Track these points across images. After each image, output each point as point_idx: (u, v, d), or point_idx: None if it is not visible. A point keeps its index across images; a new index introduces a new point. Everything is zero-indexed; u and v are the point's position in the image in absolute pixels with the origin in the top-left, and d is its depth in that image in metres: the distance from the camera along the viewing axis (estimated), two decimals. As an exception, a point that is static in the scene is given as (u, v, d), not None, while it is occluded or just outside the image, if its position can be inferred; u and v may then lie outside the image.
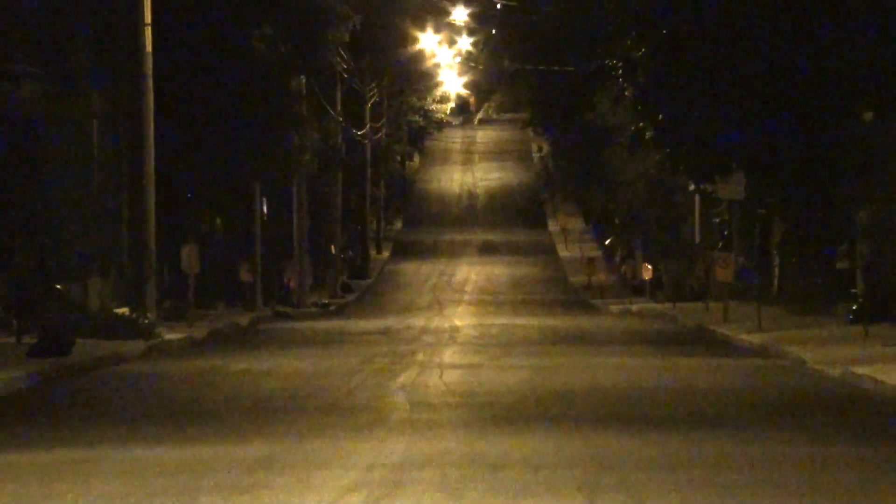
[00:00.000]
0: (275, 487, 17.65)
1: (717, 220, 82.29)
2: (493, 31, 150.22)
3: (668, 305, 76.15)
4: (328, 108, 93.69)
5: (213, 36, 62.61)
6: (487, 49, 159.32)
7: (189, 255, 63.89)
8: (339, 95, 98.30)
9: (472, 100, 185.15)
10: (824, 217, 60.39)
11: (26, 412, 28.51)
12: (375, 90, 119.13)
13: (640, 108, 73.40)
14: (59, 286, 48.05)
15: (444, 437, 23.18)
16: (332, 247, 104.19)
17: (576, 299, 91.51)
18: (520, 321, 65.00)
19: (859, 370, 32.27)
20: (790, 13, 56.36)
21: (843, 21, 54.24)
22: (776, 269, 70.53)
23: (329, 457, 20.61)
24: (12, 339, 40.98)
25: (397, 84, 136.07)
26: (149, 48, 51.44)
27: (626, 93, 78.31)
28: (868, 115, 51.66)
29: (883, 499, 16.59)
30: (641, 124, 74.25)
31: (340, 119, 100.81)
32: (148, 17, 51.38)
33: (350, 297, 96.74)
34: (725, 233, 79.86)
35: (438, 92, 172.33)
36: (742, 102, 60.26)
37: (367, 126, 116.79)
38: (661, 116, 70.19)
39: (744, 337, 47.16)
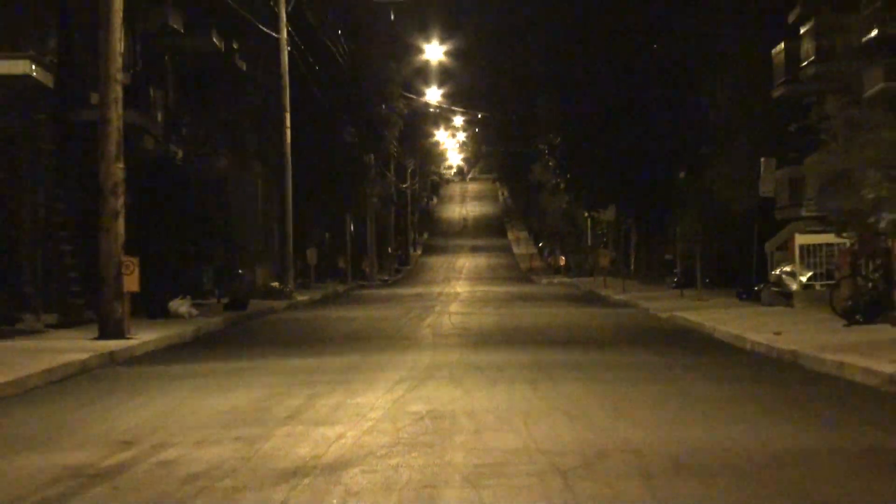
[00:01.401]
0: (358, 380, 17.76)
1: (601, 232, 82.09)
2: (477, 130, 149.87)
3: (573, 279, 75.79)
4: (386, 172, 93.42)
5: (323, 131, 62.50)
6: (474, 139, 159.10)
7: (311, 254, 64.03)
8: (392, 165, 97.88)
9: (465, 167, 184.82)
10: (658, 230, 60.26)
11: (223, 340, 28.48)
12: (412, 161, 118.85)
13: (558, 171, 73.50)
14: (240, 271, 48.01)
15: (451, 353, 23.16)
16: (389, 248, 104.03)
17: (523, 276, 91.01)
18: (493, 288, 64.72)
19: (678, 313, 32.21)
20: (638, 122, 56.24)
21: (668, 125, 54.13)
22: (633, 259, 70.25)
23: (387, 363, 20.66)
24: (214, 301, 40.86)
25: (424, 158, 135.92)
26: (288, 140, 51.28)
27: (550, 163, 78.24)
28: (682, 174, 51.44)
29: (692, 378, 16.62)
30: (559, 180, 74.30)
31: (393, 178, 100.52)
32: (287, 123, 51.25)
33: (399, 276, 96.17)
34: (604, 239, 79.68)
35: (446, 163, 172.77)
36: (613, 169, 60.26)
37: (408, 182, 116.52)
38: (569, 176, 70.25)
39: (616, 297, 46.98)
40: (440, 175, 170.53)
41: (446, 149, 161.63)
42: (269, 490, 9.32)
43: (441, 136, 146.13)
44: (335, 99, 65.02)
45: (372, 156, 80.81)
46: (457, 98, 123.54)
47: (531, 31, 75.14)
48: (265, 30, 50.33)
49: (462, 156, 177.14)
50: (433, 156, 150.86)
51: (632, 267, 68.26)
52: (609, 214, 67.77)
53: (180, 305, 34.12)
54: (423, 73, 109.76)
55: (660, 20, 55.18)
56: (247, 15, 47.74)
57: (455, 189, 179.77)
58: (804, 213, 38.35)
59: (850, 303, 25.68)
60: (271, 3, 50.63)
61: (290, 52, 52.73)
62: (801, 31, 38.66)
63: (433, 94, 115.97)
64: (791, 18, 40.18)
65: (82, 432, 13.13)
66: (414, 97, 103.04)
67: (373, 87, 75.52)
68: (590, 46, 61.30)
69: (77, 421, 14.19)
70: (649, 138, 55.86)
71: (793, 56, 39.40)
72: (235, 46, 51.40)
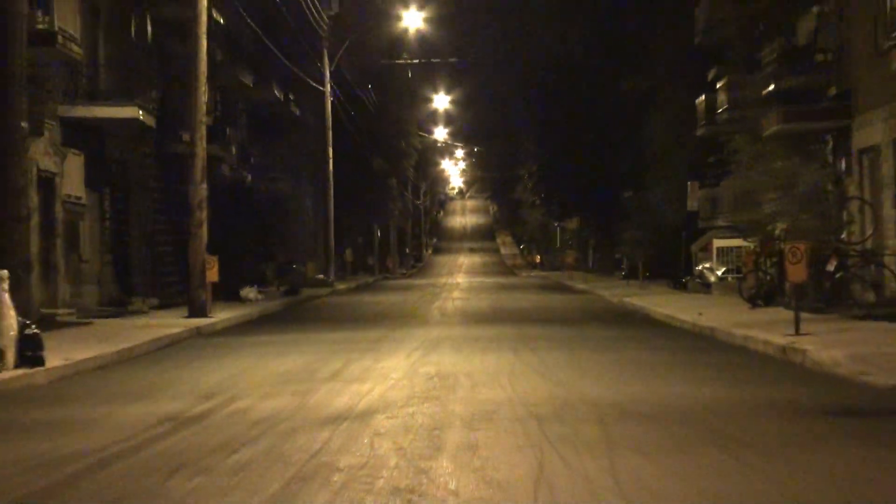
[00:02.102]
0: (383, 349, 17.78)
1: (567, 237, 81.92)
2: (473, 160, 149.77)
3: (546, 273, 75.54)
4: (404, 192, 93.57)
5: (357, 161, 62.50)
6: (471, 166, 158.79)
7: (348, 253, 64.00)
8: (409, 186, 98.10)
9: (464, 187, 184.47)
10: (610, 235, 60.09)
11: (281, 319, 28.46)
12: (424, 183, 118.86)
13: (534, 191, 73.48)
14: (294, 266, 47.94)
15: (454, 328, 23.15)
16: (406, 249, 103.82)
17: (508, 271, 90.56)
18: (485, 280, 64.50)
19: (625, 299, 32.11)
20: (595, 155, 56.31)
21: (618, 156, 54.07)
22: (591, 257, 70.14)
23: (406, 336, 20.65)
24: (275, 289, 40.82)
25: (433, 181, 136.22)
26: (330, 167, 51.35)
27: (529, 185, 78.27)
28: (628, 193, 51.22)
29: (636, 347, 16.61)
30: (535, 198, 74.29)
31: (410, 196, 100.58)
32: (330, 154, 51.36)
33: (414, 270, 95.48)
34: (570, 242, 79.38)
35: (450, 185, 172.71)
36: (575, 190, 60.36)
37: (421, 199, 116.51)
38: (543, 195, 70.34)
39: (578, 286, 46.82)
40: (446, 194, 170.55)
41: (450, 174, 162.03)
42: (317, 432, 9.34)
43: (446, 164, 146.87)
44: (366, 136, 65.10)
45: (394, 179, 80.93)
46: (458, 136, 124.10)
47: (514, 85, 75.33)
48: (314, 84, 50.45)
49: (462, 179, 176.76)
50: (440, 179, 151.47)
51: (590, 263, 68.19)
52: (573, 224, 67.94)
53: (249, 292, 34.17)
54: (432, 117, 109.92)
55: (613, 78, 55.18)
56: (300, 73, 47.87)
57: (457, 205, 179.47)
58: (720, 223, 38.38)
59: (753, 291, 25.71)
60: (318, 64, 50.70)
61: (332, 101, 52.87)
62: (717, 86, 38.66)
63: (440, 133, 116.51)
64: (710, 77, 40.23)
65: (176, 388, 13.18)
66: (426, 135, 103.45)
67: (394, 127, 75.61)
68: (559, 97, 61.42)
69: (172, 379, 14.24)
70: (603, 166, 56.03)
71: (711, 105, 39.41)
72: (292, 97, 51.51)
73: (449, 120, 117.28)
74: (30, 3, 17.25)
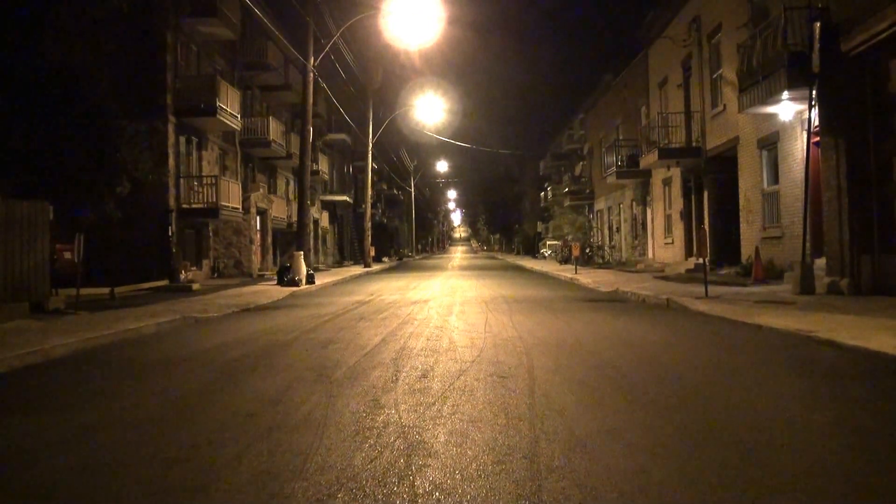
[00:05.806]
0: (434, 278, 17.23)
1: (496, 240, 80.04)
2: (463, 214, 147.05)
3: (489, 253, 72.31)
4: (439, 226, 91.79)
5: (423, 215, 61.55)
6: (463, 217, 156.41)
7: (420, 245, 62.48)
8: (442, 223, 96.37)
9: (460, 224, 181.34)
10: (510, 239, 58.45)
11: (397, 268, 27.65)
12: (446, 222, 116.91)
13: (484, 225, 71.54)
14: (402, 249, 47.19)
15: (456, 271, 22.35)
16: (440, 244, 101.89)
17: (474, 252, 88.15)
18: (466, 255, 62.19)
19: (517, 262, 30.97)
20: (504, 216, 55.26)
21: (514, 214, 52.87)
22: (504, 246, 68.12)
23: (441, 273, 20.11)
24: (395, 258, 39.07)
25: (450, 221, 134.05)
26: (413, 216, 50.29)
27: (483, 223, 76.56)
28: (516, 226, 49.90)
29: (522, 277, 16.23)
30: (484, 227, 72.36)
31: (442, 227, 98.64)
32: (413, 212, 50.25)
33: (442, 253, 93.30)
34: (498, 241, 77.04)
35: (454, 222, 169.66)
36: (498, 225, 59.13)
37: (445, 227, 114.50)
38: (488, 227, 68.66)
39: (499, 258, 45.01)
40: (453, 226, 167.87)
41: (454, 219, 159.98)
42: (408, 307, 9.13)
43: (453, 215, 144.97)
44: (424, 207, 64.19)
45: (435, 220, 79.80)
46: (459, 204, 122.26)
47: (477, 189, 74.51)
48: (407, 188, 49.77)
49: (459, 220, 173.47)
50: (452, 220, 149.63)
51: (503, 249, 67.31)
52: (497, 235, 66.85)
53: (385, 259, 33.73)
54: (448, 200, 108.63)
55: (511, 185, 54.95)
56: (403, 184, 47.35)
57: (457, 229, 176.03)
58: (550, 235, 38.01)
59: (561, 258, 25.40)
60: (410, 181, 50.00)
61: (415, 194, 52.15)
62: (548, 189, 38.18)
63: (451, 205, 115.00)
64: (546, 186, 39.75)
65: (359, 291, 12.86)
66: (446, 207, 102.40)
67: (435, 203, 74.71)
68: (491, 195, 61.05)
69: (358, 288, 13.79)
70: (508, 218, 55.40)
71: (546, 196, 38.93)
72: (399, 191, 50.94)
73: (457, 202, 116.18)
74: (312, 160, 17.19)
